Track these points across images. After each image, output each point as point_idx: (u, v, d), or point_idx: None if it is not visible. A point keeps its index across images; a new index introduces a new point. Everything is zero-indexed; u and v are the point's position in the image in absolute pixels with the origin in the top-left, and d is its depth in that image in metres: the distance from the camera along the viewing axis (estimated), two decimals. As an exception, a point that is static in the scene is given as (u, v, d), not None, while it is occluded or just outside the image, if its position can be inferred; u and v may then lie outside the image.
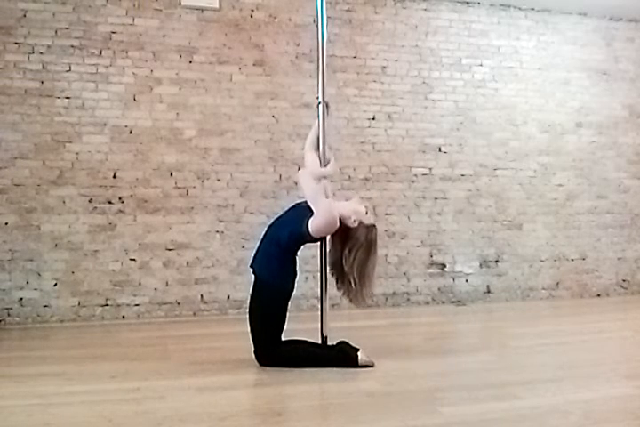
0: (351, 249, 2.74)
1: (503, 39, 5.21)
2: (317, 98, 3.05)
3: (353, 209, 2.78)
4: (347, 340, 2.90)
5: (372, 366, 2.76)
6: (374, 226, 2.82)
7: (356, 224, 2.75)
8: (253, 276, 2.86)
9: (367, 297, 2.83)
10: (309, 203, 2.72)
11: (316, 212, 2.68)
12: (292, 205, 2.91)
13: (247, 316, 2.85)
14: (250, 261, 2.91)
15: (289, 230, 2.75)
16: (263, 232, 2.91)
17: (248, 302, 2.87)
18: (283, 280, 2.79)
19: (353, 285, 2.75)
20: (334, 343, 2.90)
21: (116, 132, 4.29)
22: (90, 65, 4.27)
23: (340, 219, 2.73)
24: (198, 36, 4.49)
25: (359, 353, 2.79)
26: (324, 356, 2.81)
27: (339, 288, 2.85)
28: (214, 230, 4.43)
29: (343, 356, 2.79)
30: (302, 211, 2.75)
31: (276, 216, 2.97)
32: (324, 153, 3.04)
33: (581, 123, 5.37)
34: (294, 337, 2.87)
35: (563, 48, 5.36)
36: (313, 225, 2.68)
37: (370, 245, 2.78)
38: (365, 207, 2.84)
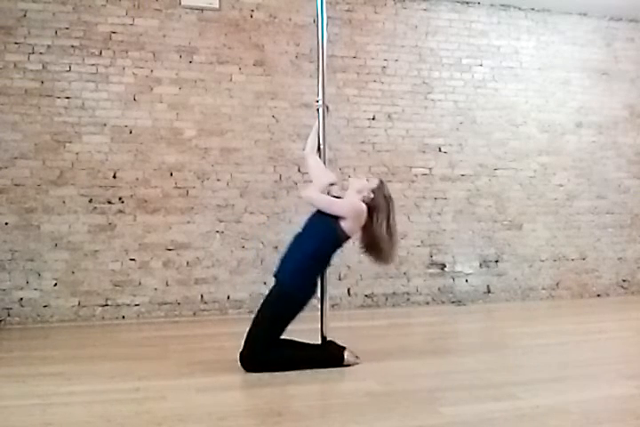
0: (379, 216, 2.78)
1: (503, 39, 5.21)
2: (317, 101, 3.05)
3: (357, 189, 2.80)
4: (345, 339, 2.89)
5: (358, 363, 2.77)
6: (381, 182, 2.86)
7: (372, 195, 2.78)
8: (274, 280, 2.84)
9: (396, 253, 2.89)
10: (330, 212, 2.73)
11: (341, 214, 2.70)
12: (310, 215, 2.89)
13: (251, 316, 2.81)
14: (275, 271, 2.86)
15: (320, 241, 2.76)
16: (289, 244, 2.88)
17: (261, 303, 2.82)
18: (305, 293, 2.77)
19: (386, 246, 2.80)
20: (320, 343, 2.88)
21: (116, 132, 4.29)
22: (90, 65, 4.27)
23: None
24: (198, 36, 4.49)
25: (345, 352, 2.79)
26: (308, 358, 2.76)
27: (372, 256, 2.88)
28: (214, 230, 4.43)
29: (328, 356, 2.78)
30: (321, 218, 2.77)
31: (298, 229, 2.91)
32: (324, 156, 3.03)
33: (581, 123, 5.37)
34: (285, 337, 2.83)
35: (563, 48, 5.36)
36: (347, 227, 2.72)
37: (389, 200, 2.83)
38: (364, 180, 2.86)
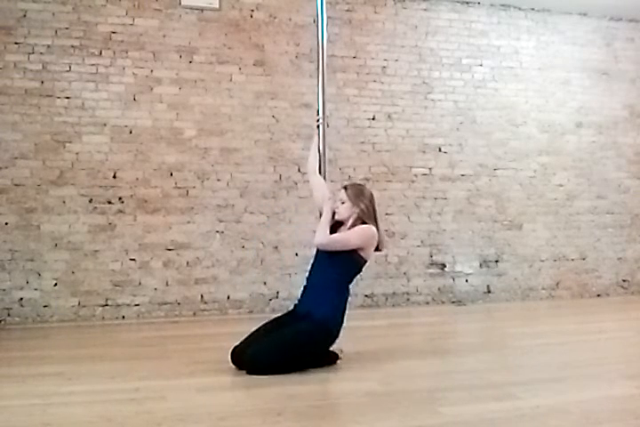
0: (368, 222, 2.77)
1: (503, 39, 5.21)
2: (317, 118, 3.02)
3: (348, 216, 2.77)
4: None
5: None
6: (347, 189, 2.81)
7: (358, 208, 2.75)
8: (296, 309, 2.81)
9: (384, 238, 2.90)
10: (348, 247, 2.69)
11: (358, 247, 2.69)
12: None
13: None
14: (299, 303, 2.83)
15: (343, 272, 2.74)
16: (308, 276, 2.85)
17: (281, 318, 2.80)
18: (341, 326, 2.73)
19: (381, 240, 2.82)
20: None
21: (116, 133, 4.29)
22: (90, 65, 4.27)
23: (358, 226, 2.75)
24: (198, 36, 4.49)
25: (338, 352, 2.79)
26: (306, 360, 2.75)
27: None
28: (214, 230, 4.43)
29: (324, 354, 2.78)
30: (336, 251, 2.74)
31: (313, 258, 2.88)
32: (324, 173, 3.00)
33: (581, 123, 5.37)
34: None
35: (563, 48, 5.36)
36: (365, 254, 2.73)
37: (371, 201, 2.82)
38: (341, 205, 2.82)
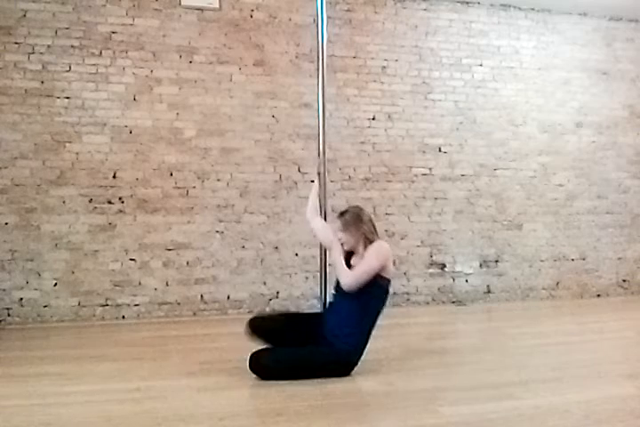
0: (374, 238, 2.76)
1: (503, 39, 5.21)
2: (318, 173, 3.02)
3: (355, 241, 2.72)
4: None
5: None
6: (341, 218, 2.77)
7: (360, 231, 2.71)
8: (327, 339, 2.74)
9: None
10: (374, 273, 2.62)
11: (380, 267, 2.64)
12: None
13: (299, 315, 2.79)
14: (326, 329, 2.74)
15: (371, 299, 2.67)
16: (333, 303, 2.79)
17: (314, 325, 2.75)
18: (359, 357, 2.68)
19: None
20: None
21: (116, 132, 4.29)
22: (90, 65, 4.27)
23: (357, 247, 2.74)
24: (198, 36, 4.49)
25: None
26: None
27: None
28: (214, 230, 4.43)
29: None
30: None
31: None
32: (325, 214, 3.00)
33: (581, 123, 5.37)
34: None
35: (563, 48, 5.36)
36: (385, 272, 2.66)
37: (370, 220, 2.80)
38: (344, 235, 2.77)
